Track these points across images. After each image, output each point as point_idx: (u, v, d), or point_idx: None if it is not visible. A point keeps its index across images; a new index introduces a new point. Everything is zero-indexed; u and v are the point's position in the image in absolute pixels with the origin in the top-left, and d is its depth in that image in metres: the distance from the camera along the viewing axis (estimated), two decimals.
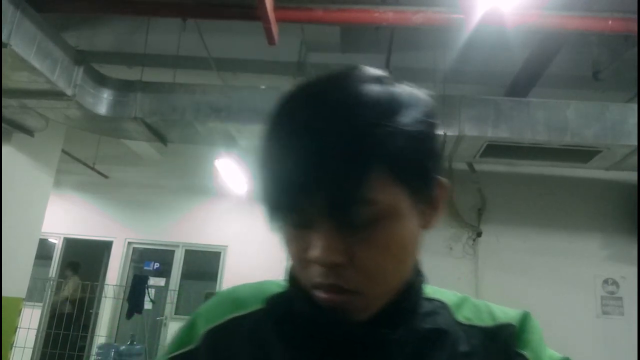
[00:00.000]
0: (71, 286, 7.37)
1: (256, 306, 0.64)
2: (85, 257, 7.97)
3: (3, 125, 4.34)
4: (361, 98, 0.51)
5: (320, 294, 0.53)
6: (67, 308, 7.20)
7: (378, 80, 0.54)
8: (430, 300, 0.63)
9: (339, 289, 0.52)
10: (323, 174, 0.49)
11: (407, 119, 0.52)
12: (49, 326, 7.07)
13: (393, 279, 0.55)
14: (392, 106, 0.51)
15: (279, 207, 0.54)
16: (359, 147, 0.48)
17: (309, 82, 0.55)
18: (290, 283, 0.61)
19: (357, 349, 0.56)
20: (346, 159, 0.48)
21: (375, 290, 0.54)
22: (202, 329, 0.63)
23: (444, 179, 0.57)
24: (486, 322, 0.62)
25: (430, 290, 0.65)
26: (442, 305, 0.63)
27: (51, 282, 7.47)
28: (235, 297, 0.66)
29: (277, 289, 0.65)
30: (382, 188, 0.50)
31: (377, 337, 0.56)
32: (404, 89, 0.55)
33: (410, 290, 0.58)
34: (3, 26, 3.15)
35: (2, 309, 4.29)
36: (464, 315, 0.63)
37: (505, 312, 0.63)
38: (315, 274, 0.53)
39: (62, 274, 7.57)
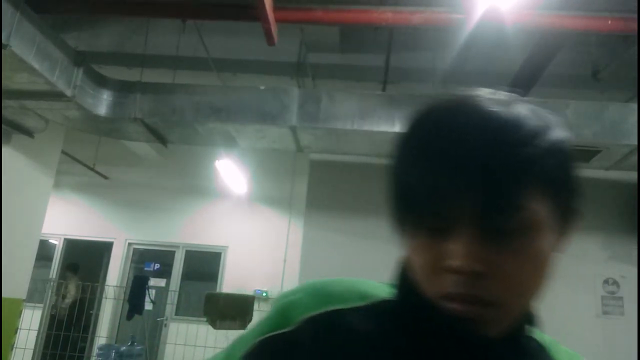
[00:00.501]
0: (73, 289, 7.37)
1: (355, 303, 0.61)
2: (85, 258, 7.97)
3: (3, 126, 4.34)
4: (514, 115, 0.52)
5: (452, 305, 0.52)
6: (69, 309, 7.20)
7: (515, 100, 0.55)
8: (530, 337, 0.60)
9: (476, 299, 0.51)
10: (478, 178, 0.49)
11: (555, 137, 0.53)
12: (50, 327, 7.07)
13: (529, 295, 0.54)
14: (540, 125, 0.52)
15: (421, 210, 0.53)
16: (516, 157, 0.49)
17: (456, 96, 0.56)
18: (407, 291, 0.58)
19: None
20: (503, 167, 0.49)
21: (512, 304, 0.52)
22: (299, 316, 0.60)
23: (579, 208, 0.56)
24: None
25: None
26: (541, 347, 0.63)
27: (51, 283, 7.46)
28: (330, 291, 0.63)
29: (376, 291, 0.63)
30: (532, 199, 0.50)
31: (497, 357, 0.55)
32: (541, 109, 0.56)
33: (532, 315, 0.58)
34: (2, 27, 3.15)
35: (3, 310, 4.29)
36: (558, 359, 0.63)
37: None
38: (449, 284, 0.52)
39: (62, 276, 7.57)
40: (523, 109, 0.53)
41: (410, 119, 0.56)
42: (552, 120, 0.54)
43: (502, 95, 0.56)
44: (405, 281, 0.59)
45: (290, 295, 0.64)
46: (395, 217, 0.58)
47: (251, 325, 0.66)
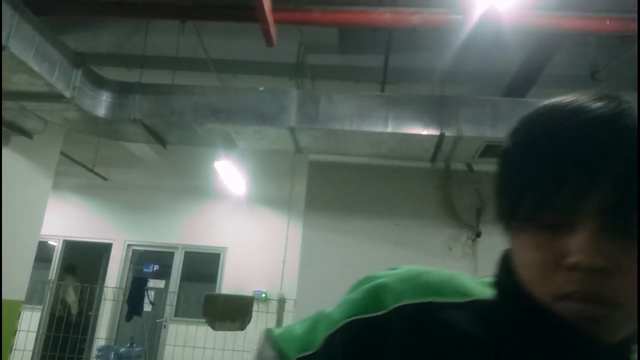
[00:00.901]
0: (71, 291, 7.37)
1: (453, 298, 0.57)
2: (84, 260, 7.97)
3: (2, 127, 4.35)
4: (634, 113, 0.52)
5: (571, 305, 0.49)
6: (67, 310, 7.20)
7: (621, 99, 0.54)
8: None
9: (601, 297, 0.48)
10: (607, 173, 0.48)
11: None
12: (49, 329, 7.07)
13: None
14: None
15: (545, 203, 0.51)
16: None
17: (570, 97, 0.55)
18: (512, 292, 0.55)
19: None
20: (631, 164, 0.48)
21: (631, 306, 0.49)
22: (392, 301, 0.57)
23: None
24: None
25: None
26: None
27: (50, 285, 7.46)
28: (428, 280, 0.59)
29: (475, 289, 0.59)
30: None
31: None
32: None
33: None
34: (2, 29, 3.16)
35: (2, 312, 4.29)
36: None
37: None
38: (567, 282, 0.49)
39: (61, 277, 7.56)
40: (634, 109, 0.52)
41: (527, 117, 0.56)
42: None
43: (606, 95, 0.54)
44: (509, 281, 0.55)
45: (382, 278, 0.61)
46: (504, 211, 0.56)
47: (330, 309, 0.61)
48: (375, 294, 0.59)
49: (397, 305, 0.56)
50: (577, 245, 0.49)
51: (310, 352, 0.59)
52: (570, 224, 0.50)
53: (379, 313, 0.56)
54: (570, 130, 0.51)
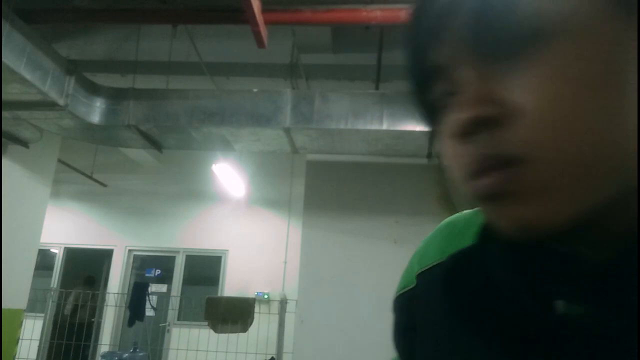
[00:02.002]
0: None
1: (468, 242, 0.49)
2: (86, 267, 7.98)
3: None
4: None
5: (482, 184, 0.35)
6: (70, 318, 7.22)
7: None
8: None
9: (497, 158, 0.34)
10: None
11: None
12: (52, 336, 7.08)
13: (581, 135, 0.32)
14: None
15: (426, 66, 0.40)
16: None
17: None
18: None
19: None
20: None
21: (551, 152, 0.32)
22: (416, 270, 0.56)
23: None
24: None
25: None
26: None
27: (52, 293, 7.47)
28: (449, 232, 0.55)
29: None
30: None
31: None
32: None
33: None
34: None
35: (3, 321, 4.29)
36: None
37: None
38: (469, 155, 0.35)
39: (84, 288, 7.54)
40: None
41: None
42: None
43: None
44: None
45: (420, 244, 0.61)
46: (425, 121, 0.45)
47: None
48: (409, 267, 0.60)
49: (416, 273, 0.56)
50: (459, 102, 0.36)
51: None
52: (455, 81, 0.37)
53: (411, 286, 0.56)
54: None
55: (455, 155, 0.38)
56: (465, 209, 0.55)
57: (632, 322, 0.32)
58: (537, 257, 0.37)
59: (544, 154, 0.32)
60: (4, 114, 4.01)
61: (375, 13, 3.60)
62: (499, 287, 0.40)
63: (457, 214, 0.58)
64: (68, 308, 7.20)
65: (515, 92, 0.33)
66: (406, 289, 0.57)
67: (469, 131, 0.35)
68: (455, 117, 0.35)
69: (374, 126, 4.18)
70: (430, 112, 0.42)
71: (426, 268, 0.54)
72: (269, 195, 7.58)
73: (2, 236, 4.34)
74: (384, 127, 4.18)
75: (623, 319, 0.32)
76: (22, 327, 4.89)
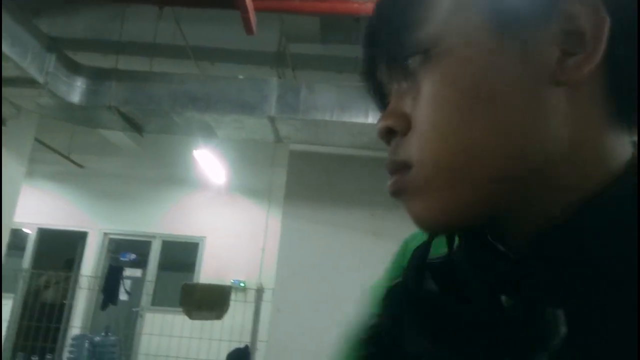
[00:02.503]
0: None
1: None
2: (60, 248, 7.84)
3: None
4: None
5: (389, 182, 0.42)
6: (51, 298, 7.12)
7: None
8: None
9: (394, 164, 0.40)
10: (380, 25, 0.43)
11: None
12: (22, 317, 6.96)
13: (454, 145, 0.36)
14: None
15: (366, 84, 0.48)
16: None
17: None
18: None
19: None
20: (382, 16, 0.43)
21: (428, 159, 0.37)
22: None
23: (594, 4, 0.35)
24: None
25: None
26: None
27: (24, 273, 7.33)
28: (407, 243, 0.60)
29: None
30: (436, 9, 0.38)
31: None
32: None
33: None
34: None
35: None
36: None
37: None
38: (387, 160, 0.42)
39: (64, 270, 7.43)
40: None
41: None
42: None
43: None
44: None
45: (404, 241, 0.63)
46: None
47: None
48: (398, 256, 0.63)
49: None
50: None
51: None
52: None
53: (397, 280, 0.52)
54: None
55: None
56: None
57: (540, 312, 0.34)
58: (480, 255, 0.40)
59: (424, 160, 0.38)
60: None
61: (366, 5, 3.59)
62: (459, 288, 0.41)
63: None
64: (43, 289, 7.10)
65: (411, 107, 0.39)
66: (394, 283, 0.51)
67: (384, 139, 0.41)
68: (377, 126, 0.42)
69: (360, 119, 4.19)
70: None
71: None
72: (249, 184, 7.54)
73: None
74: (370, 120, 4.18)
75: (534, 310, 0.34)
76: None
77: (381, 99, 0.45)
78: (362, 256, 5.02)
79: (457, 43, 0.36)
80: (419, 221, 0.40)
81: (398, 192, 0.40)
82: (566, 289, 0.34)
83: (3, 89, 3.92)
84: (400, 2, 0.41)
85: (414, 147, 0.38)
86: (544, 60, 0.35)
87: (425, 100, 0.37)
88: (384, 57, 0.42)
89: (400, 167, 0.39)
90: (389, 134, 0.40)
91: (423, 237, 0.48)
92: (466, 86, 0.36)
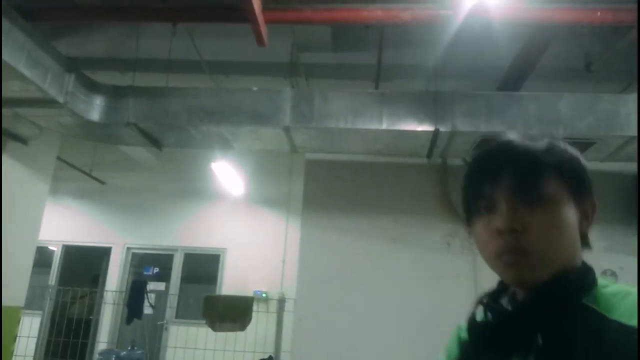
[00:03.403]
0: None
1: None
2: (85, 264, 7.97)
3: None
4: (532, 139, 0.87)
5: (504, 257, 0.80)
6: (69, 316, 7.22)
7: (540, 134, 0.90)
8: (587, 307, 0.79)
9: (518, 249, 0.78)
10: (510, 172, 0.83)
11: (560, 147, 0.87)
12: (50, 334, 7.08)
13: (554, 247, 0.80)
14: (551, 142, 0.87)
15: (478, 196, 0.85)
16: (537, 156, 0.83)
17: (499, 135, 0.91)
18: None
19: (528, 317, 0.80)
20: (525, 164, 0.83)
21: (541, 252, 0.78)
22: (461, 338, 0.95)
23: (594, 200, 0.87)
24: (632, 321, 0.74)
25: (604, 286, 0.82)
26: (594, 312, 0.77)
27: (50, 290, 7.47)
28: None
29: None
30: (549, 181, 0.82)
31: (539, 307, 0.79)
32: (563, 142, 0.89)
33: (572, 273, 0.81)
34: None
35: (2, 318, 4.29)
36: (618, 313, 0.75)
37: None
38: (499, 243, 0.80)
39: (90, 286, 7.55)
40: (550, 139, 0.87)
41: (474, 152, 0.98)
42: (563, 144, 0.88)
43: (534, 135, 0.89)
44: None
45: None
46: (466, 212, 0.90)
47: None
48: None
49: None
50: (498, 218, 0.82)
51: None
52: (496, 206, 0.83)
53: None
54: (489, 150, 0.89)
55: (487, 241, 0.84)
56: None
57: (530, 331, 0.81)
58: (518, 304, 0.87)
59: (534, 250, 0.79)
60: (3, 110, 4.00)
61: (376, 12, 3.60)
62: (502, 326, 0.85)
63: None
64: (70, 305, 7.21)
65: (526, 219, 0.80)
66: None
67: (502, 232, 0.81)
68: (497, 224, 0.81)
69: (374, 126, 4.18)
70: (469, 214, 0.89)
71: None
72: (268, 194, 7.58)
73: (1, 233, 4.33)
74: (384, 126, 4.18)
75: (527, 330, 0.81)
76: (20, 324, 4.89)
77: (481, 200, 0.86)
78: (383, 264, 4.99)
79: (559, 198, 0.82)
80: (520, 280, 0.82)
81: (515, 264, 0.80)
82: (541, 319, 0.80)
83: (25, 110, 4.03)
84: (541, 160, 0.84)
85: (529, 242, 0.79)
86: (580, 217, 0.84)
87: (542, 220, 0.80)
88: (519, 186, 0.82)
89: (520, 251, 0.79)
90: (512, 230, 0.79)
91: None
92: (563, 221, 0.81)
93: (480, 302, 0.90)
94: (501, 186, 0.82)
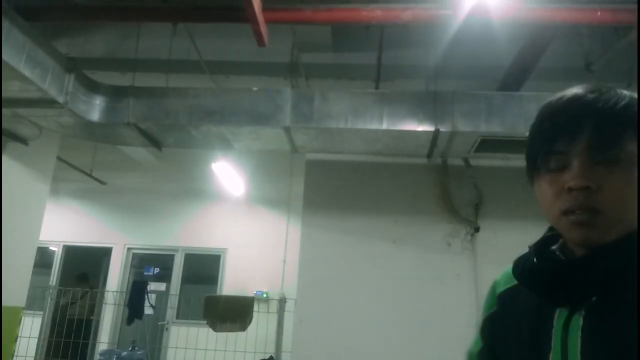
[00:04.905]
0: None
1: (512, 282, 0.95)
2: (85, 264, 7.98)
3: None
4: (609, 90, 0.82)
5: (570, 216, 0.78)
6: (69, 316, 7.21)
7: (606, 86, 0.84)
8: None
9: (589, 208, 0.76)
10: (589, 125, 0.79)
11: (635, 102, 0.81)
12: (50, 334, 7.08)
13: (626, 209, 0.77)
14: (627, 95, 0.81)
15: (549, 152, 0.82)
16: (614, 111, 0.79)
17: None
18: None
19: (579, 276, 0.79)
20: (605, 117, 0.78)
21: (613, 212, 0.76)
22: (497, 292, 0.99)
23: None
24: None
25: None
26: None
27: (51, 290, 7.47)
28: (510, 272, 0.95)
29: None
30: (628, 142, 0.78)
31: (598, 268, 0.78)
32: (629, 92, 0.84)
33: (635, 235, 0.78)
34: None
35: (2, 319, 4.29)
36: None
37: None
38: (568, 200, 0.78)
39: (77, 285, 7.54)
40: (619, 91, 0.81)
41: (542, 104, 0.87)
42: (636, 97, 0.82)
43: (601, 86, 0.83)
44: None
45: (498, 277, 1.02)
46: (530, 167, 0.88)
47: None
48: (492, 289, 1.04)
49: (498, 294, 1.00)
50: (571, 176, 0.79)
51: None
52: (566, 164, 0.80)
53: (493, 310, 1.01)
54: (563, 104, 0.83)
55: (552, 198, 0.82)
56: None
57: (587, 286, 0.80)
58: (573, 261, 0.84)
59: (606, 210, 0.77)
60: (3, 111, 4.00)
61: (376, 12, 3.60)
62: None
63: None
64: (70, 305, 7.22)
65: (601, 178, 0.77)
66: (490, 313, 1.01)
67: (573, 190, 0.78)
68: (570, 182, 0.79)
69: (374, 126, 4.18)
70: (534, 170, 0.87)
71: (503, 290, 0.99)
72: (268, 194, 7.58)
73: (2, 234, 4.33)
74: (384, 126, 4.17)
75: (584, 284, 0.80)
76: (21, 324, 4.89)
77: (551, 157, 0.83)
78: (383, 264, 4.99)
79: (632, 158, 0.78)
80: (587, 240, 0.79)
81: (585, 223, 0.78)
82: (602, 277, 0.78)
83: (25, 110, 4.03)
84: (622, 118, 0.79)
85: (601, 201, 0.76)
86: None
87: (618, 180, 0.77)
88: (597, 144, 0.78)
89: (591, 210, 0.77)
90: (585, 188, 0.77)
91: (506, 277, 0.98)
92: (632, 181, 0.77)
93: (533, 248, 0.89)
94: (577, 143, 0.78)
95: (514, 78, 4.45)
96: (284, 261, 7.18)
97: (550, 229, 0.90)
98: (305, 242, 5.12)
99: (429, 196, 5.11)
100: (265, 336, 6.74)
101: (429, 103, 4.20)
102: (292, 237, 6.93)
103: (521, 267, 0.89)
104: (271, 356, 6.53)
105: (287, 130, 4.28)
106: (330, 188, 5.23)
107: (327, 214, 5.17)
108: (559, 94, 0.85)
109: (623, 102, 0.79)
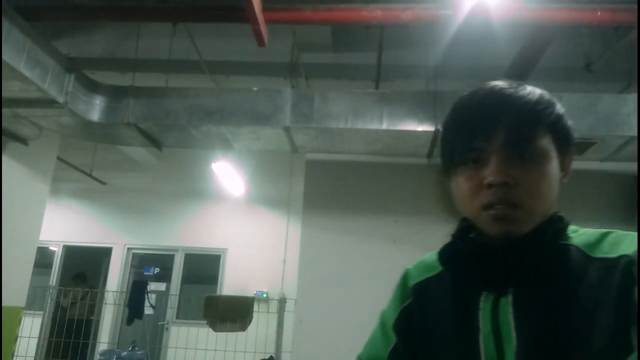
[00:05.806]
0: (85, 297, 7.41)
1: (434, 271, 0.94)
2: (85, 264, 7.98)
3: None
4: (524, 88, 0.83)
5: (490, 211, 0.78)
6: (69, 316, 7.21)
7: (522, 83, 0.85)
8: (567, 245, 0.81)
9: (507, 202, 0.77)
10: (504, 122, 0.79)
11: (549, 99, 0.83)
12: (50, 334, 7.07)
13: (543, 201, 0.79)
14: (539, 92, 0.83)
15: (468, 148, 0.81)
16: (527, 108, 0.80)
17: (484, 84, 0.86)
18: (457, 229, 0.90)
19: (506, 263, 0.80)
20: (520, 115, 0.79)
21: (531, 205, 0.78)
22: (410, 284, 0.97)
23: (573, 152, 0.86)
24: (613, 253, 0.76)
25: (574, 231, 0.84)
26: (576, 249, 0.80)
27: (51, 290, 7.47)
28: (426, 263, 0.97)
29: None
30: (542, 137, 0.80)
31: (518, 254, 0.79)
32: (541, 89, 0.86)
33: (550, 222, 0.81)
34: None
35: (2, 319, 4.29)
36: (600, 250, 0.78)
37: (631, 243, 0.77)
38: (486, 196, 0.79)
39: (72, 285, 7.54)
40: (529, 87, 0.83)
41: (457, 100, 0.86)
42: (546, 93, 0.84)
43: (513, 82, 0.84)
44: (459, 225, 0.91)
45: (409, 267, 1.01)
46: (446, 162, 0.87)
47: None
48: (403, 280, 1.01)
49: (411, 286, 0.97)
50: (489, 171, 0.79)
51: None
52: (484, 159, 0.80)
53: (408, 301, 0.96)
54: (479, 100, 0.83)
55: (471, 193, 0.81)
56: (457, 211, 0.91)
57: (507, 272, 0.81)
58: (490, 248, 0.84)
59: (524, 204, 0.78)
60: (3, 111, 4.00)
61: (376, 12, 3.60)
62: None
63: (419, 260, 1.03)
64: (70, 306, 7.22)
65: (518, 173, 0.78)
66: (405, 305, 0.96)
67: (498, 186, 0.78)
68: (488, 178, 0.78)
69: (374, 126, 4.18)
70: (451, 165, 0.86)
71: (418, 282, 0.97)
72: (268, 194, 7.58)
73: (2, 234, 4.33)
74: (384, 126, 4.17)
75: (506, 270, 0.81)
76: (21, 324, 4.89)
77: (469, 153, 0.81)
78: (383, 264, 4.99)
79: (548, 152, 0.80)
80: (507, 233, 0.79)
81: (503, 218, 0.78)
82: (524, 260, 0.80)
83: (25, 110, 4.03)
84: (537, 115, 0.81)
85: (523, 197, 0.77)
86: (561, 169, 0.83)
87: (534, 174, 0.78)
88: (514, 139, 0.79)
89: (510, 204, 0.77)
90: (504, 184, 0.77)
91: (420, 269, 0.98)
92: (552, 174, 0.80)
93: (458, 236, 0.88)
94: (495, 139, 0.78)
95: (514, 78, 4.43)
96: (284, 261, 7.18)
97: (463, 219, 0.89)
98: (305, 242, 5.12)
99: (428, 196, 5.11)
100: (265, 336, 6.74)
101: (429, 103, 4.20)
102: (292, 237, 6.93)
103: (453, 252, 0.88)
104: (271, 356, 6.53)
105: (287, 130, 4.28)
106: (330, 188, 5.23)
107: (327, 214, 5.17)
108: (472, 90, 0.85)
109: (535, 98, 0.81)
